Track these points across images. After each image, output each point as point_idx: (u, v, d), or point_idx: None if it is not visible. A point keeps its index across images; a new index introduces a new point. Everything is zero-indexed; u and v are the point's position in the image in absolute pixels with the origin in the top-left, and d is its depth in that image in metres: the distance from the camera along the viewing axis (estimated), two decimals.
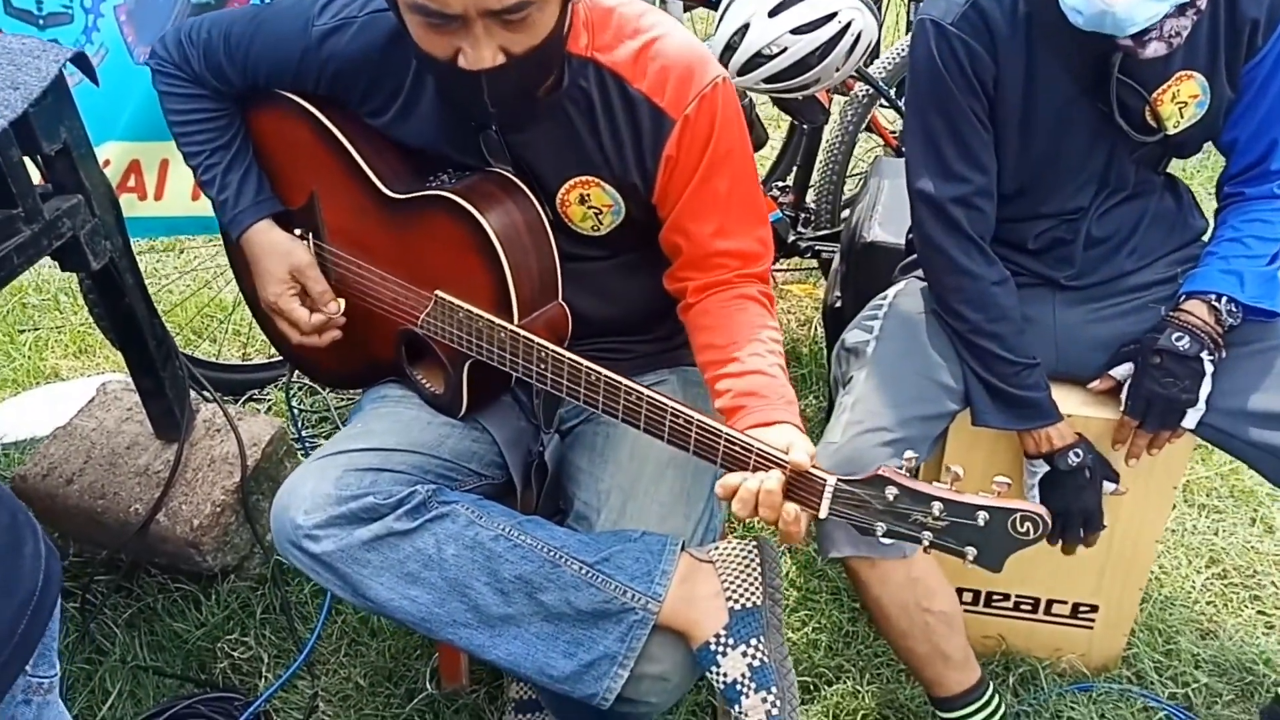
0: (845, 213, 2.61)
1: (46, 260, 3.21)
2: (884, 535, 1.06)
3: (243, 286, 1.59)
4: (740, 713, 1.17)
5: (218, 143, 1.40)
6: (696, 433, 1.11)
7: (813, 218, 2.60)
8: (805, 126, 2.49)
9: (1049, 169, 1.50)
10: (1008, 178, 1.49)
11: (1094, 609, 1.75)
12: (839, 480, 1.06)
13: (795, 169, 2.58)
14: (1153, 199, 1.57)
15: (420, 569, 1.20)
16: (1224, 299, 1.45)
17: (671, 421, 1.12)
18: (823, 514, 1.07)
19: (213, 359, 2.54)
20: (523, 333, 1.20)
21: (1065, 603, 1.76)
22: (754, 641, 1.19)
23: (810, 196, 2.62)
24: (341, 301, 1.40)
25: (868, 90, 2.49)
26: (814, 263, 2.75)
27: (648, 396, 1.13)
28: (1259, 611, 1.91)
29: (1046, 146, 1.47)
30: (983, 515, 1.01)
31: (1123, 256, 1.57)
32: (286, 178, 1.44)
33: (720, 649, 1.19)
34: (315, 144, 1.36)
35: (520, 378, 1.25)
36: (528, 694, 1.64)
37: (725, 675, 1.18)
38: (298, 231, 1.43)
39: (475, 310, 1.24)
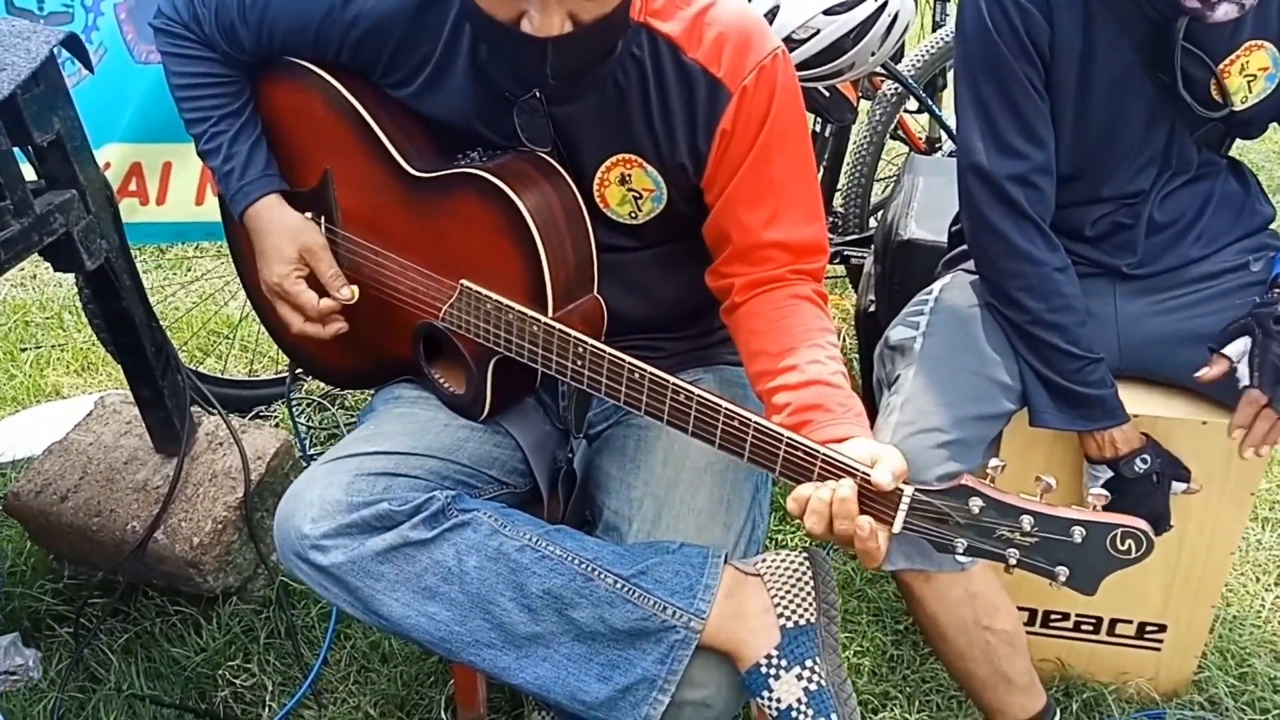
0: (873, 220, 2.52)
1: (50, 278, 3.14)
2: (964, 553, 0.95)
3: (245, 277, 1.48)
4: None
5: (226, 109, 1.30)
6: (754, 437, 1.00)
7: (841, 222, 2.50)
8: (832, 127, 2.40)
9: (1107, 148, 1.39)
10: (1064, 158, 1.39)
11: (1162, 628, 1.62)
12: (917, 490, 0.95)
13: (822, 171, 2.48)
14: (1217, 181, 1.47)
15: (439, 583, 1.09)
16: None
17: (725, 424, 1.01)
18: (896, 528, 0.96)
19: (218, 374, 2.44)
20: (558, 326, 1.09)
21: (1130, 622, 1.63)
22: (809, 663, 1.07)
23: (838, 201, 2.52)
24: (355, 288, 1.30)
25: (896, 89, 2.39)
26: (841, 269, 2.64)
27: (698, 396, 1.02)
28: None
29: (1104, 122, 1.37)
30: (1079, 531, 0.91)
31: (1188, 243, 1.46)
32: (298, 157, 1.33)
33: (772, 671, 1.07)
34: (331, 118, 1.25)
35: (552, 376, 1.14)
36: None
37: (779, 701, 1.06)
38: (308, 215, 1.32)
39: (505, 301, 1.13)
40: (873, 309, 2.06)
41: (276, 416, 2.38)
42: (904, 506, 0.95)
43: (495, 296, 1.14)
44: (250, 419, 2.33)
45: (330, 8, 1.18)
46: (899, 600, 1.84)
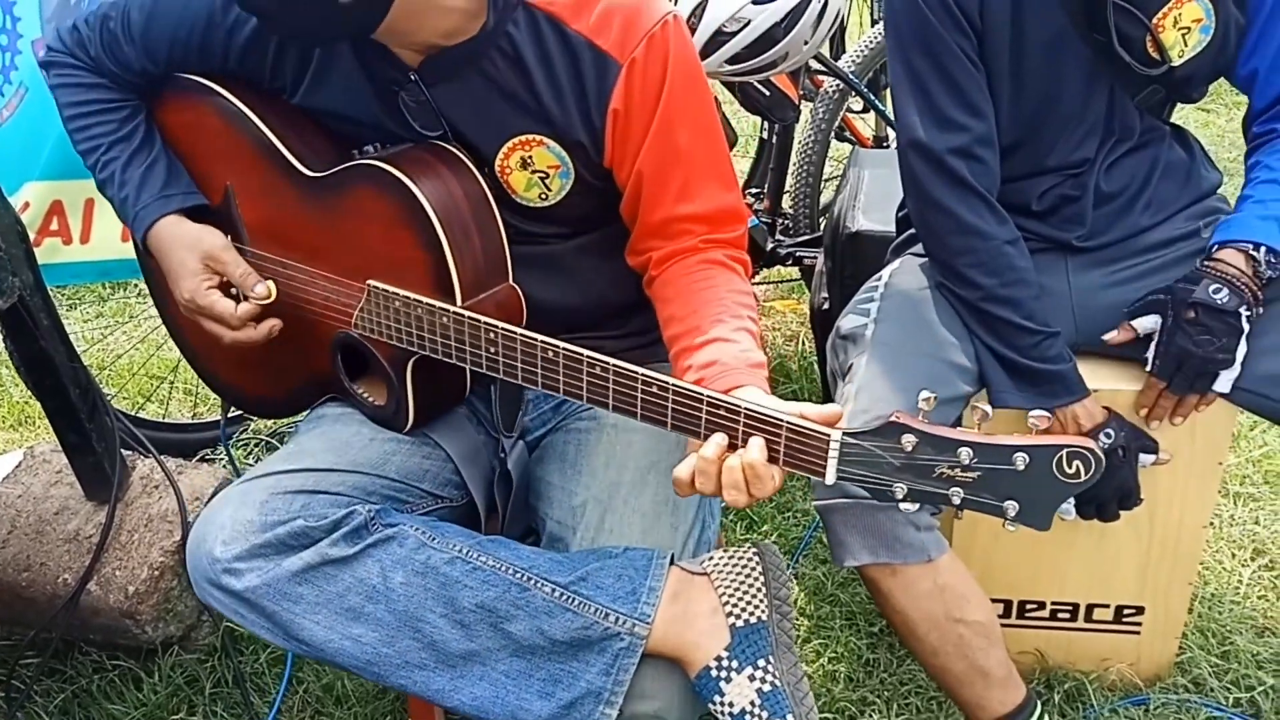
0: (823, 222, 2.48)
1: None
2: (905, 499, 0.89)
3: (165, 316, 1.42)
4: None
5: (116, 134, 1.24)
6: (674, 401, 0.95)
7: (790, 224, 2.47)
8: (776, 128, 2.36)
9: (1047, 116, 1.36)
10: (1004, 129, 1.36)
11: (1140, 611, 1.57)
12: (845, 434, 0.89)
13: (769, 175, 2.45)
14: (1162, 148, 1.44)
15: (363, 602, 1.02)
16: (1263, 249, 1.29)
17: (644, 392, 0.96)
18: (829, 478, 0.90)
19: (160, 419, 2.35)
20: (466, 313, 1.04)
21: (1107, 606, 1.58)
22: (761, 663, 1.01)
23: (786, 202, 2.48)
24: (271, 284, 1.22)
25: (838, 85, 2.37)
26: (795, 272, 2.61)
27: (614, 366, 0.97)
28: None
29: (1041, 88, 1.34)
30: (1021, 457, 0.85)
31: (1137, 212, 1.43)
32: (201, 176, 1.28)
33: (723, 674, 1.00)
34: (225, 130, 1.20)
35: (469, 368, 1.08)
36: None
37: (731, 705, 0.99)
38: None
39: (412, 296, 1.08)
40: (826, 306, 2.01)
41: (221, 459, 2.30)
42: (834, 454, 0.89)
43: (401, 292, 1.08)
44: (195, 463, 2.24)
45: (210, 14, 1.15)
46: (872, 602, 1.78)
